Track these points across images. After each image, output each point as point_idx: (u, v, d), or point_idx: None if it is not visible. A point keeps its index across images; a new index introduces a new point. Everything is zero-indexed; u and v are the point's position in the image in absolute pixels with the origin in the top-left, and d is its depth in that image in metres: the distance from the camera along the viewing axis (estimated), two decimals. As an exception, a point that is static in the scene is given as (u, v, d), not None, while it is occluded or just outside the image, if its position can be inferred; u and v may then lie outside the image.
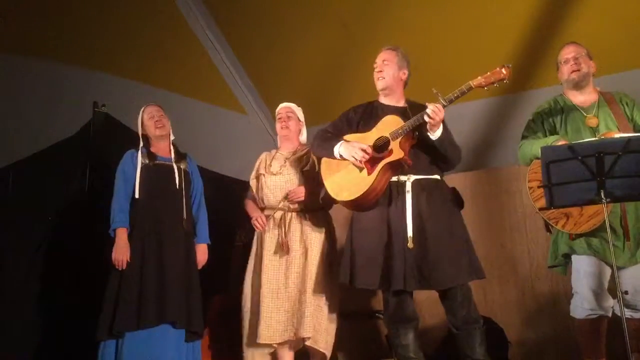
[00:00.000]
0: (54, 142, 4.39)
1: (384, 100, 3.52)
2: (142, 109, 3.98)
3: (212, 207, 4.08)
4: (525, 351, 4.57)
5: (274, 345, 3.67)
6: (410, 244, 3.10)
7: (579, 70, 3.39)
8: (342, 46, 5.25)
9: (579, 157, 2.74)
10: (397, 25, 4.82)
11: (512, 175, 5.01)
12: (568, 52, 3.46)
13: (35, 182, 4.24)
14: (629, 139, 2.69)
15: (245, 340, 3.79)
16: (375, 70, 3.48)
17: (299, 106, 4.13)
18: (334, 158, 3.39)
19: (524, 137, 3.52)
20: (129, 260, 3.59)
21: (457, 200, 3.39)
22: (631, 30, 4.37)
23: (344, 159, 3.34)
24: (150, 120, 3.92)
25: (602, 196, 2.72)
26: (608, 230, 2.82)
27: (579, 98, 3.43)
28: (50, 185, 4.27)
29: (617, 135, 3.11)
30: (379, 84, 3.47)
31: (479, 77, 3.12)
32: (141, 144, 3.88)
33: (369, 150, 3.24)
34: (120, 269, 3.58)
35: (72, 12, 4.87)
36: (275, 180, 3.89)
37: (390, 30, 4.82)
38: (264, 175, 3.94)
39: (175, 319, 3.58)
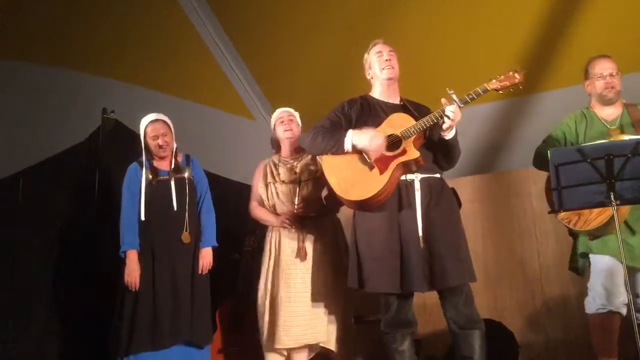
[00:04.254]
0: (64, 148, 4.41)
1: (378, 96, 3.35)
2: (144, 123, 3.82)
3: (220, 213, 4.08)
4: (535, 355, 4.55)
5: (286, 350, 3.67)
6: (421, 244, 2.99)
7: (614, 88, 3.38)
8: (348, 49, 5.23)
9: (588, 160, 2.73)
10: (402, 27, 4.82)
11: (521, 178, 4.99)
12: (606, 67, 3.40)
13: (45, 188, 4.27)
14: (638, 141, 2.68)
15: (264, 344, 3.77)
16: (383, 58, 3.31)
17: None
18: (342, 152, 3.17)
19: (544, 142, 3.52)
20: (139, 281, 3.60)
21: (457, 201, 3.29)
22: (637, 33, 4.35)
23: (356, 152, 3.13)
24: (153, 141, 3.79)
25: (612, 199, 2.72)
26: (618, 232, 2.81)
27: (605, 111, 3.43)
28: (59, 191, 4.30)
29: (627, 137, 3.11)
30: (389, 73, 3.29)
31: (494, 81, 3.03)
32: (144, 157, 3.77)
33: (383, 143, 3.08)
34: (133, 290, 3.58)
35: (81, 19, 4.91)
36: (286, 188, 3.89)
37: (396, 33, 4.80)
38: (272, 183, 3.93)
39: (188, 339, 3.61)
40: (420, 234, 3.01)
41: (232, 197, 5.34)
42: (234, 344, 4.41)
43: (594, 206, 2.91)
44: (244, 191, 5.55)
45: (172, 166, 3.82)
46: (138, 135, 4.15)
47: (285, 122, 4.01)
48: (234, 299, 4.55)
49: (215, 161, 4.19)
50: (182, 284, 3.66)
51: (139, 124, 3.87)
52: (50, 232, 4.20)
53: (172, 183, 3.76)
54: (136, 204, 3.69)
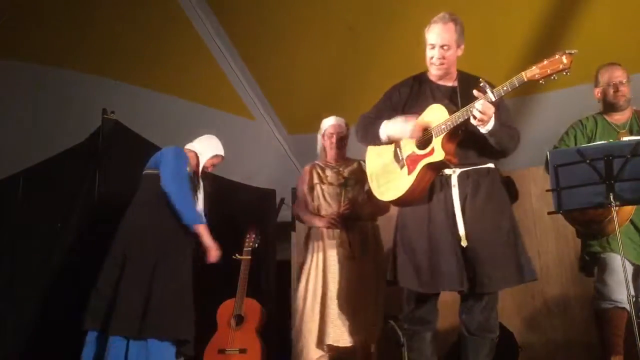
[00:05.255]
0: (64, 148, 4.41)
1: (433, 77, 3.11)
2: (219, 151, 3.93)
3: (221, 213, 4.08)
4: (535, 355, 4.54)
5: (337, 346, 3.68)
6: (464, 242, 2.81)
7: (624, 96, 3.41)
8: (348, 49, 5.25)
9: (588, 161, 2.73)
10: (402, 27, 4.82)
11: (521, 178, 4.97)
12: (617, 76, 3.41)
13: (45, 189, 4.28)
14: (638, 142, 2.69)
15: (305, 342, 3.75)
16: (431, 55, 3.03)
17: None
18: (380, 143, 3.08)
19: (555, 148, 3.51)
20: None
21: (509, 192, 3.06)
22: (638, 33, 4.35)
23: (393, 143, 3.02)
24: (213, 164, 3.94)
25: (611, 199, 2.72)
26: (617, 232, 2.82)
27: (614, 117, 3.46)
28: (59, 191, 4.30)
29: (626, 138, 3.12)
30: (437, 72, 3.05)
31: (534, 67, 2.69)
32: (201, 165, 3.84)
33: (416, 127, 2.90)
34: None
35: (83, 21, 4.92)
36: (333, 190, 3.93)
37: (396, 32, 4.81)
38: (319, 184, 3.96)
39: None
40: (462, 233, 2.84)
41: (231, 197, 5.35)
42: (234, 344, 4.42)
43: (593, 207, 2.91)
44: (243, 191, 5.59)
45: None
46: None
47: (334, 136, 3.99)
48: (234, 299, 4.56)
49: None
50: (184, 281, 3.66)
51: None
52: (49, 232, 4.20)
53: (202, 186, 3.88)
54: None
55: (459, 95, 2.96)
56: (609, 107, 3.45)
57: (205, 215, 3.86)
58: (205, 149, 3.89)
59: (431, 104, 2.96)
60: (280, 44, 5.50)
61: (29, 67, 4.81)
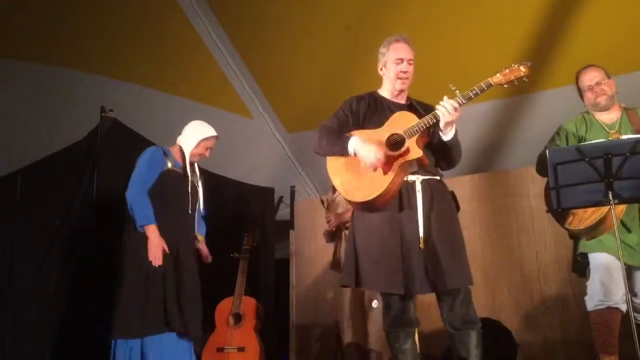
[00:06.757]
0: (62, 146, 4.41)
1: (386, 94, 3.29)
2: (209, 132, 3.90)
3: (219, 211, 4.08)
4: (533, 354, 4.56)
5: None
6: (422, 244, 2.96)
7: (604, 95, 3.39)
8: (346, 48, 5.25)
9: (587, 159, 2.73)
10: (401, 27, 4.81)
11: (519, 178, 5.00)
12: (590, 79, 3.42)
13: (43, 186, 4.27)
14: (637, 141, 2.69)
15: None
16: (400, 68, 3.20)
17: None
18: (346, 155, 3.10)
19: (546, 148, 3.51)
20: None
21: (456, 204, 3.25)
22: (636, 33, 4.35)
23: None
24: (204, 150, 3.90)
25: (610, 198, 2.72)
26: (616, 230, 2.82)
27: (603, 117, 3.44)
28: (57, 189, 4.29)
29: (625, 136, 3.12)
30: (402, 86, 3.24)
31: (498, 75, 2.96)
32: (187, 157, 3.83)
33: (382, 159, 2.99)
34: (145, 272, 3.54)
35: (81, 19, 4.91)
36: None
37: (395, 31, 4.80)
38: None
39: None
40: (421, 235, 2.99)
41: (230, 195, 5.36)
42: (232, 342, 4.43)
43: (592, 205, 2.91)
44: (242, 190, 5.59)
45: (190, 168, 3.90)
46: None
47: None
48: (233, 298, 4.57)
49: (213, 159, 4.18)
50: (187, 279, 3.68)
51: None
52: (48, 231, 4.19)
53: (190, 181, 3.87)
54: (150, 182, 3.68)
55: (418, 108, 3.17)
56: (594, 109, 3.45)
57: (204, 212, 3.86)
58: (187, 139, 3.87)
59: (389, 116, 3.16)
60: (279, 43, 5.50)
61: (27, 66, 4.80)
